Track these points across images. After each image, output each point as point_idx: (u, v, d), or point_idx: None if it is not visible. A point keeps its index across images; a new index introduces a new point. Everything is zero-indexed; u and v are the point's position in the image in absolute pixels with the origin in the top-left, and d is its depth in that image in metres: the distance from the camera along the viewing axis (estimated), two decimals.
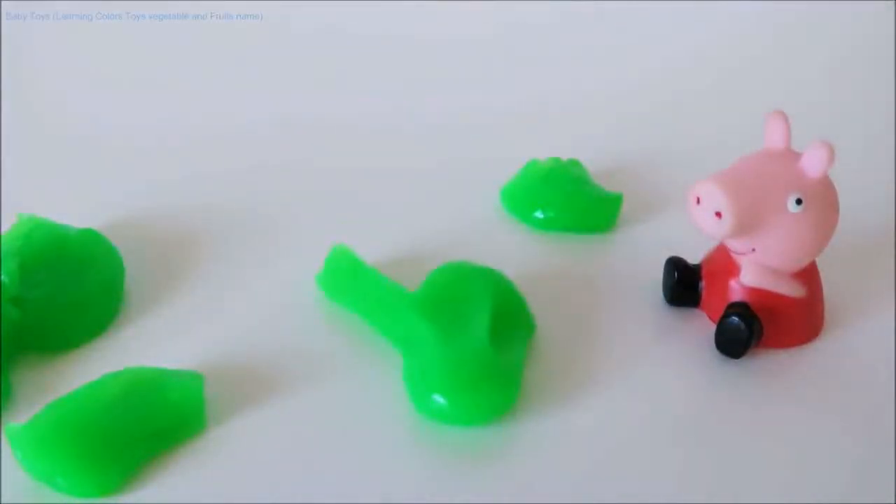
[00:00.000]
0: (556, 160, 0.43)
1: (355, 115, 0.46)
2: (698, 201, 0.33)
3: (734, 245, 0.35)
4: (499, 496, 0.32)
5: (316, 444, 0.33)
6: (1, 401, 0.34)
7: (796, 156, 0.34)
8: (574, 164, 0.43)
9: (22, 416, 0.33)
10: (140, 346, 0.36)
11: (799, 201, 0.33)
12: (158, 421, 0.33)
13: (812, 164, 0.33)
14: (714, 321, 0.36)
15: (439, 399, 0.33)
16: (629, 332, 0.37)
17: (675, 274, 0.37)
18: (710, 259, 0.37)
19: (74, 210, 0.41)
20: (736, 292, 0.36)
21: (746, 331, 0.35)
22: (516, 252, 0.41)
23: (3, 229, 0.39)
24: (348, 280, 0.37)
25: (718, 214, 0.33)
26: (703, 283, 0.37)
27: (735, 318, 0.35)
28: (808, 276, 0.36)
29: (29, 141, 0.47)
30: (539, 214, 0.42)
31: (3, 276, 0.36)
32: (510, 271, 0.38)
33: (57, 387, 0.34)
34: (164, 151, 0.44)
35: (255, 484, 0.32)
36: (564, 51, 0.52)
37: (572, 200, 0.42)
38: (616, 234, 0.42)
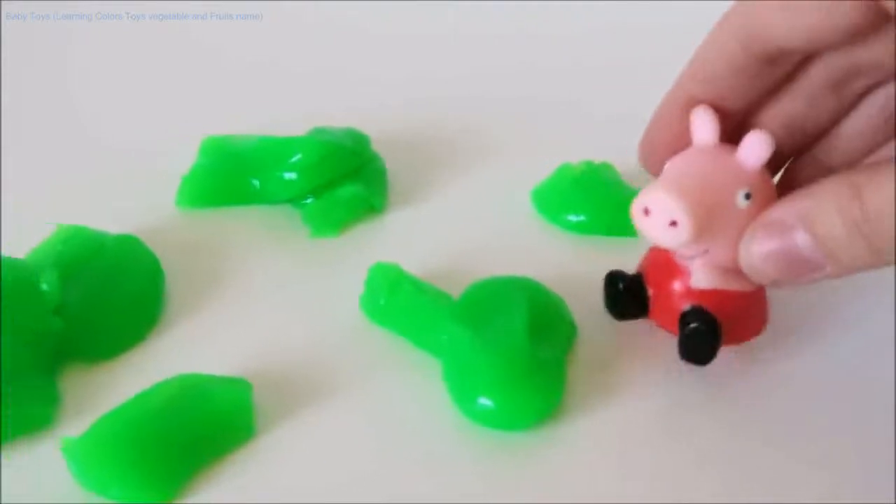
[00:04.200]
0: (589, 163, 0.43)
1: (383, 119, 0.46)
2: (646, 212, 0.32)
3: (685, 251, 0.33)
4: (545, 498, 0.32)
5: (363, 450, 0.34)
6: (51, 412, 0.34)
7: (730, 149, 0.33)
8: (606, 167, 0.43)
9: (70, 426, 0.34)
10: (182, 353, 0.37)
11: (748, 196, 0.32)
12: (209, 428, 0.33)
13: (751, 155, 0.32)
14: (667, 329, 0.35)
15: (485, 402, 0.34)
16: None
17: (620, 286, 0.36)
18: (652, 265, 0.36)
19: (111, 217, 0.41)
20: (686, 296, 0.34)
21: (709, 336, 0.34)
22: (551, 255, 0.41)
23: (40, 239, 0.39)
24: (389, 296, 0.37)
25: (674, 224, 0.31)
26: (650, 292, 0.36)
27: (696, 325, 0.34)
28: None
29: (53, 147, 0.47)
30: (572, 217, 0.42)
31: (44, 286, 0.36)
32: (546, 274, 0.38)
33: (102, 395, 0.35)
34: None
35: (306, 491, 0.32)
36: (594, 54, 0.52)
37: (606, 204, 0.42)
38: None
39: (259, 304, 0.39)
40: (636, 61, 0.51)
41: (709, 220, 0.31)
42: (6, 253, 0.37)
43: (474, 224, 0.43)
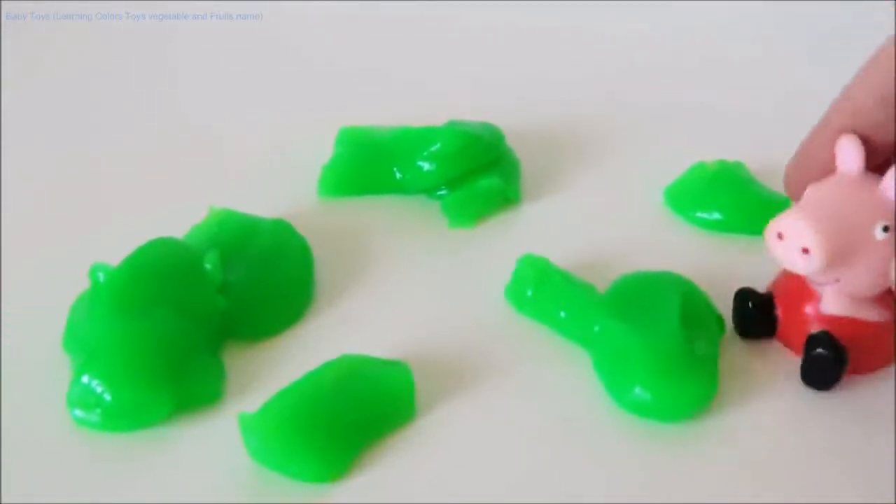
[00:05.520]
0: (723, 162, 0.44)
1: (514, 115, 0.47)
2: (780, 237, 0.33)
3: (817, 278, 0.34)
4: (698, 488, 0.33)
5: (519, 436, 0.34)
6: (220, 388, 0.35)
7: (874, 179, 0.33)
8: (739, 166, 0.44)
9: (237, 402, 0.35)
10: (336, 335, 0.38)
11: (886, 228, 0.32)
12: (374, 409, 0.34)
13: (894, 188, 0.33)
14: (794, 351, 0.36)
15: (641, 392, 0.34)
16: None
17: (750, 305, 0.37)
18: (784, 286, 0.37)
19: (255, 204, 0.42)
20: (816, 321, 0.35)
21: (835, 362, 0.34)
22: (686, 251, 0.41)
23: (189, 222, 0.40)
24: (537, 287, 0.38)
25: (805, 250, 0.32)
26: (778, 312, 0.36)
27: (821, 350, 0.34)
28: (887, 297, 0.35)
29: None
30: (706, 215, 0.42)
31: (207, 266, 0.37)
32: (685, 270, 0.39)
33: (264, 373, 0.36)
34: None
35: (466, 473, 0.33)
36: (726, 54, 0.53)
37: (740, 202, 0.42)
38: None
39: (404, 290, 0.40)
40: (768, 61, 0.51)
41: (842, 250, 0.32)
42: (164, 235, 0.38)
43: (608, 219, 0.43)
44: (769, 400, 0.35)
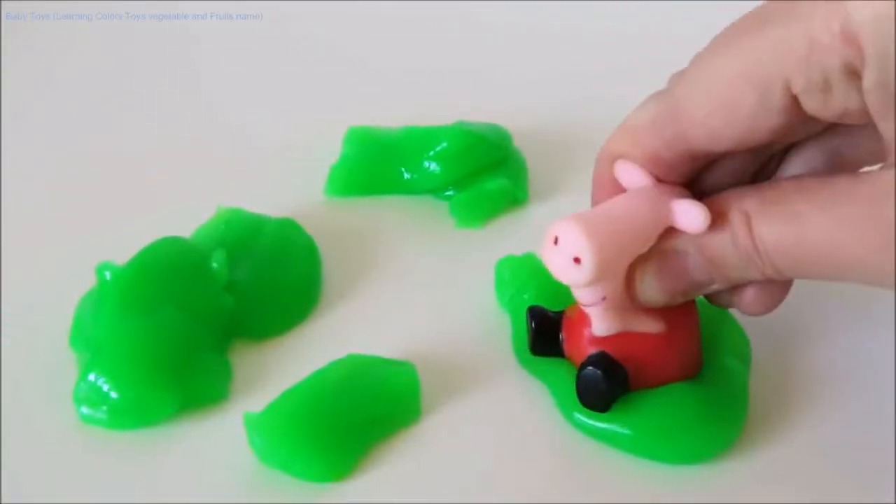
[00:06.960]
0: None
1: (523, 116, 0.47)
2: (556, 242, 0.30)
3: (584, 295, 0.31)
4: None
5: (523, 439, 0.34)
6: (226, 387, 0.35)
7: (669, 192, 0.31)
8: None
9: (243, 401, 0.35)
10: (342, 334, 0.38)
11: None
12: (380, 409, 0.34)
13: (688, 222, 0.30)
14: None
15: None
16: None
17: (533, 325, 0.35)
18: (571, 307, 0.34)
19: (263, 204, 0.42)
20: (592, 342, 0.33)
21: (605, 381, 0.32)
22: None
23: (197, 222, 0.40)
24: (517, 290, 0.38)
25: (577, 260, 0.29)
26: (563, 336, 0.34)
27: (590, 369, 0.32)
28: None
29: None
30: None
31: (214, 265, 0.37)
32: None
33: (270, 372, 0.36)
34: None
35: (472, 474, 0.33)
36: None
37: None
38: None
39: (411, 291, 0.40)
40: None
41: (613, 263, 0.30)
42: (171, 234, 0.38)
43: None
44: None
